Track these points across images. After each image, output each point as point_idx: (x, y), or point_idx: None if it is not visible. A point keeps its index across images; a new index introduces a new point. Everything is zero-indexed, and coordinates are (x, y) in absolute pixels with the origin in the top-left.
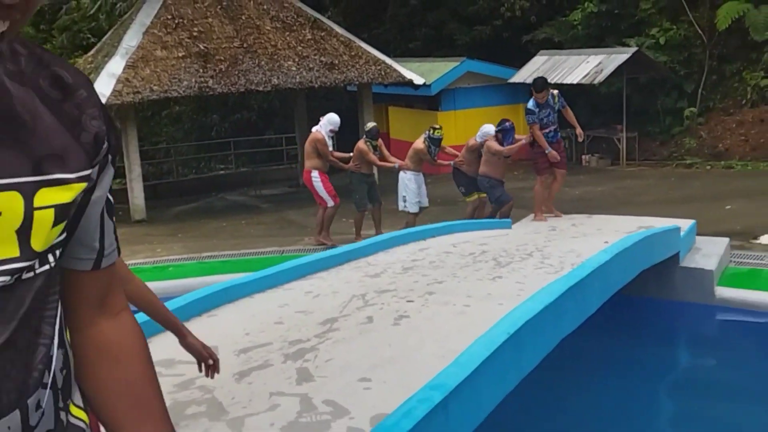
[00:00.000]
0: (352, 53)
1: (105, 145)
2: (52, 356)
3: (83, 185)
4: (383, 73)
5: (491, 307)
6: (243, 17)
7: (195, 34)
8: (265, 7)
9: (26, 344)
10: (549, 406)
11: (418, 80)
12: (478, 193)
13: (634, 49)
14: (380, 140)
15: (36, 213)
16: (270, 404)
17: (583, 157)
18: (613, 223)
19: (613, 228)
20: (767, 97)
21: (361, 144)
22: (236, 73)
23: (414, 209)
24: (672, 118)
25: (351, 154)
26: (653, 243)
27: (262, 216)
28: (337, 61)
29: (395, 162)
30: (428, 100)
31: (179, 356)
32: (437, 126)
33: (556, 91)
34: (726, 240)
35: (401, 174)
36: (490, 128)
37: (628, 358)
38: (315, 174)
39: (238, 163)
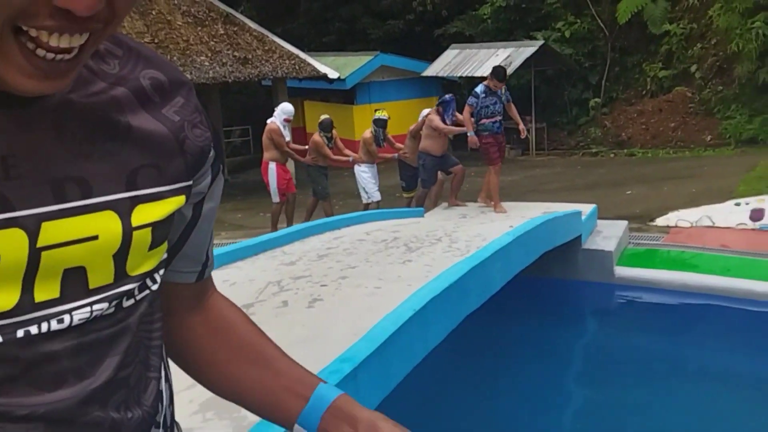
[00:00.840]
0: (266, 48)
1: (211, 154)
2: (162, 391)
3: (181, 199)
4: (297, 68)
5: (401, 288)
6: (153, 12)
7: None
8: (176, 2)
9: (137, 379)
10: (458, 387)
11: (333, 74)
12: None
13: (540, 42)
14: (335, 132)
15: (135, 234)
16: (189, 383)
17: None
18: (519, 210)
19: (519, 214)
20: (665, 88)
21: (316, 137)
22: None
23: (378, 197)
24: (578, 108)
25: (308, 146)
26: (555, 226)
27: None
28: (250, 56)
29: (350, 155)
30: (343, 94)
31: None
32: (379, 109)
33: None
34: (624, 223)
35: (356, 168)
36: (428, 110)
37: (536, 337)
38: (272, 166)
39: None
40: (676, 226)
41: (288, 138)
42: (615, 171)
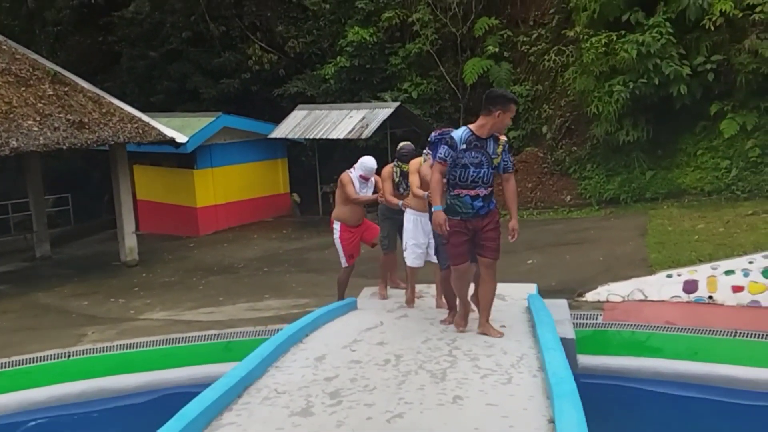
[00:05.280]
0: (103, 110)
1: None
2: None
3: None
4: (141, 132)
5: None
6: None
7: None
8: None
9: None
10: None
11: (181, 138)
12: None
13: (396, 104)
14: (411, 164)
15: None
16: None
17: None
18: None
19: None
20: (516, 148)
21: (387, 167)
22: None
23: (411, 262)
24: None
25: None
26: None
27: (4, 302)
28: (86, 120)
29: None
30: (180, 158)
31: None
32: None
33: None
34: (564, 302)
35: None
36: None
37: None
38: (336, 226)
39: None
40: (607, 301)
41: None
42: None
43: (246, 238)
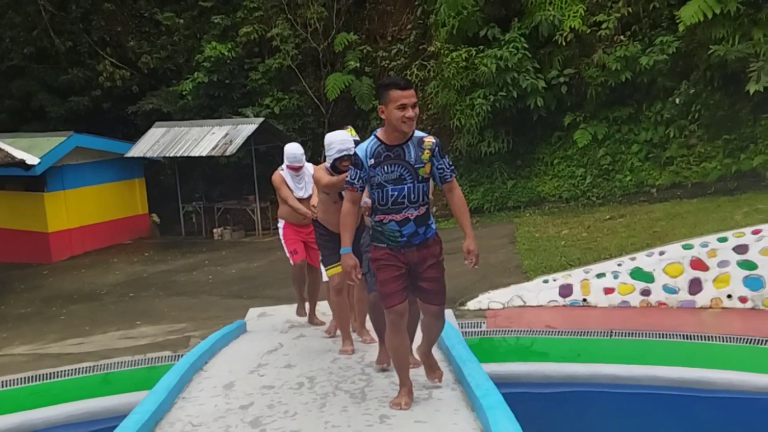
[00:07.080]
0: None
1: None
2: None
3: None
4: None
5: None
6: None
7: None
8: None
9: None
10: None
11: (32, 160)
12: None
13: (260, 119)
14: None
15: None
16: None
17: (215, 231)
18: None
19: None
20: None
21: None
22: None
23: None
24: None
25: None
26: None
27: None
28: None
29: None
30: (27, 180)
31: None
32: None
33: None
34: (451, 312)
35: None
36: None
37: None
38: (280, 224)
39: None
40: (489, 309)
41: (301, 194)
42: None
43: (105, 263)
